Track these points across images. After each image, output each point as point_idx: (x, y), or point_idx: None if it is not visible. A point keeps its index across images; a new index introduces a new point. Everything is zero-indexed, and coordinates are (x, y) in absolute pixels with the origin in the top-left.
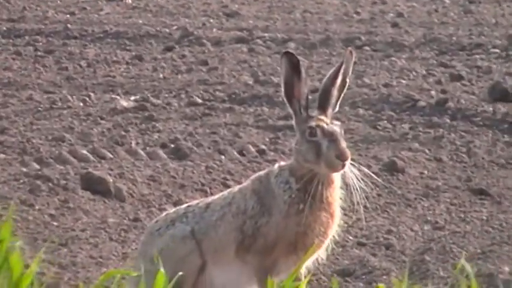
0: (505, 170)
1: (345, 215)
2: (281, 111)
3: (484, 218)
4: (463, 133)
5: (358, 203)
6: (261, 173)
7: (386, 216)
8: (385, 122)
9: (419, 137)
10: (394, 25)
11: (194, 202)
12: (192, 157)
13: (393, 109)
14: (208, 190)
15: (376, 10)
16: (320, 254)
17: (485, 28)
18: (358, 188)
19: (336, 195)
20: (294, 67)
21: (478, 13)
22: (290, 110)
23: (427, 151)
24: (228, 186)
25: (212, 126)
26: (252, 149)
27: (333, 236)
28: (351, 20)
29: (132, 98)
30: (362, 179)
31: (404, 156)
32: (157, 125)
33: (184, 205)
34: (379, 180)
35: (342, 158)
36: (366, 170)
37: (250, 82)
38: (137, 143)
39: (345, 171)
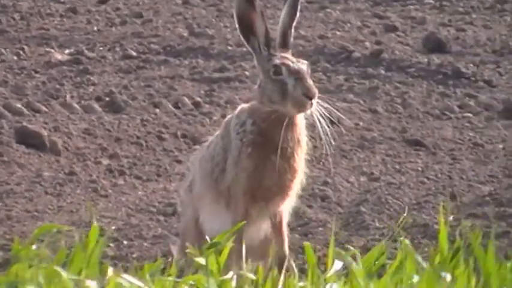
0: (440, 121)
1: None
2: (216, 63)
3: (419, 169)
4: (397, 84)
5: (325, 146)
6: (224, 121)
7: (322, 168)
8: (320, 73)
9: (354, 88)
10: None
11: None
12: (127, 110)
13: (328, 60)
14: (144, 143)
15: None
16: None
17: None
18: (327, 130)
19: (296, 141)
20: (250, 3)
21: None
22: (249, 49)
23: (362, 102)
24: (164, 139)
25: (147, 79)
26: (188, 102)
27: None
28: None
29: (67, 51)
30: (329, 121)
31: (340, 107)
32: (92, 78)
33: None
34: (348, 120)
35: (309, 95)
36: (332, 109)
37: (185, 34)
38: (72, 97)
39: (311, 112)
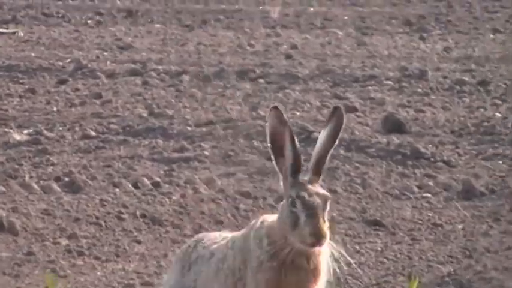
0: (399, 201)
1: None
2: (176, 143)
3: (379, 249)
4: (357, 164)
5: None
6: (248, 228)
7: None
8: None
9: None
10: (288, 57)
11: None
12: (86, 190)
13: None
14: (103, 223)
15: (269, 42)
16: None
17: (378, 60)
18: (331, 270)
19: (314, 267)
20: (282, 125)
21: (371, 45)
22: (276, 169)
23: (321, 182)
24: (123, 220)
25: (106, 159)
26: (147, 182)
27: None
28: (244, 52)
29: (26, 131)
30: (337, 260)
31: None
32: (51, 158)
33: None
34: (352, 262)
35: (315, 236)
36: (344, 253)
37: (145, 114)
38: (31, 177)
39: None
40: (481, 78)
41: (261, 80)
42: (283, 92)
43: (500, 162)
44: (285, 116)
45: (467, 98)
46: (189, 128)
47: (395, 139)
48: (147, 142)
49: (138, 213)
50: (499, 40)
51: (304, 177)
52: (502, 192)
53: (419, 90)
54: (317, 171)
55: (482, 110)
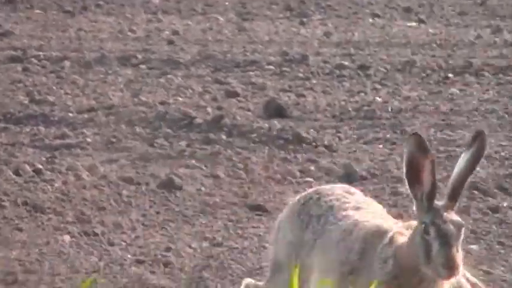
0: (282, 186)
1: (123, 233)
2: (57, 130)
3: (261, 233)
4: (239, 149)
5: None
6: (378, 227)
7: (165, 234)
8: (162, 139)
9: (196, 154)
10: (170, 43)
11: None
12: None
13: (170, 126)
14: None
15: (151, 28)
16: None
17: (259, 45)
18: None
19: None
20: (424, 152)
21: (252, 30)
22: (410, 194)
23: (204, 168)
24: (4, 207)
25: None
26: (29, 169)
27: None
28: (126, 38)
29: None
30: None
31: (182, 173)
32: None
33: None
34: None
35: (449, 268)
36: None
37: (26, 101)
38: None
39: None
40: (361, 63)
41: (142, 66)
42: (165, 77)
43: (381, 146)
44: (427, 143)
45: (347, 82)
46: (70, 115)
47: (277, 124)
48: (28, 129)
49: (19, 200)
50: (378, 25)
51: (439, 202)
52: (383, 177)
53: (300, 74)
54: (453, 197)
55: (362, 94)
